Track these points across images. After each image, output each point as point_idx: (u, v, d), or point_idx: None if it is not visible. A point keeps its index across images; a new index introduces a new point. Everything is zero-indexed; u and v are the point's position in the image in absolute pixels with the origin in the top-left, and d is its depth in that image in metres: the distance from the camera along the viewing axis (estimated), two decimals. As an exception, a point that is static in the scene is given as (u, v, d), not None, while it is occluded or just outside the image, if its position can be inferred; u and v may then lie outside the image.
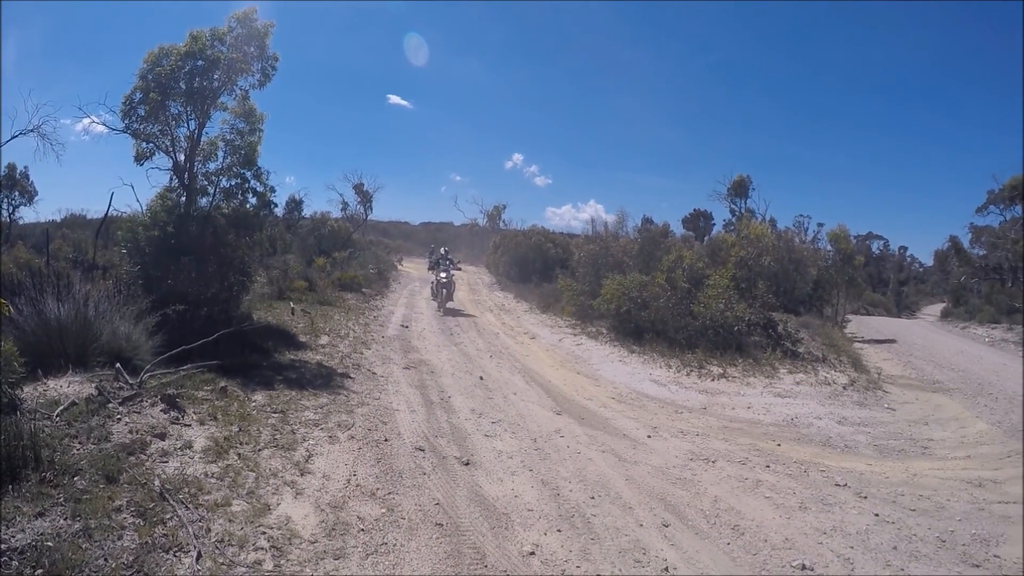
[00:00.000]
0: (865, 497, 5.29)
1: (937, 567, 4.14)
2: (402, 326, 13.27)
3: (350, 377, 8.21)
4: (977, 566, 4.19)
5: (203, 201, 9.16)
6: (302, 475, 4.91)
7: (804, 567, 4.03)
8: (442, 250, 17.71)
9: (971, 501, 5.35)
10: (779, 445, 6.73)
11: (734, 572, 3.98)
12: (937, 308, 33.61)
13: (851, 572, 4.02)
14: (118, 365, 5.86)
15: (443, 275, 16.23)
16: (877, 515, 4.91)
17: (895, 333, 18.41)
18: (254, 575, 3.45)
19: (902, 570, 4.08)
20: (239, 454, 5.05)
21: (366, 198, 33.66)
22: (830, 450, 6.74)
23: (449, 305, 16.40)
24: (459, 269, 18.52)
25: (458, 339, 12.21)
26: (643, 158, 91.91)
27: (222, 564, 3.47)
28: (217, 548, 3.61)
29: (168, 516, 3.79)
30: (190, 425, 5.39)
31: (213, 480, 4.50)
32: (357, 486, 4.84)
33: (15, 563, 3.07)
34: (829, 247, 19.30)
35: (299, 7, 56.03)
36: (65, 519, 3.49)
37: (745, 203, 29.47)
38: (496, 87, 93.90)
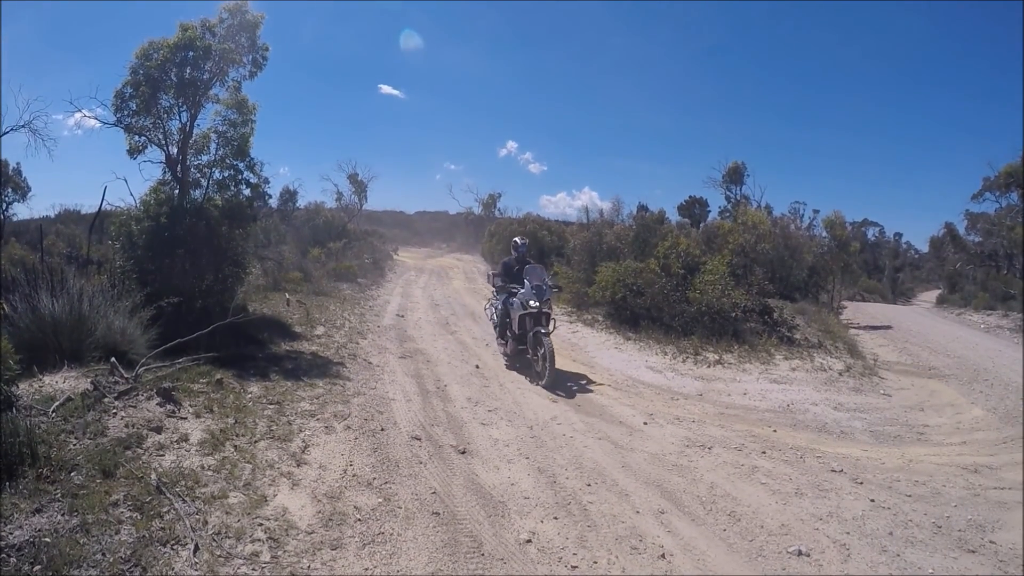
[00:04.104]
0: (861, 483, 5.31)
1: (933, 553, 4.16)
2: (398, 316, 13.26)
3: (346, 367, 8.20)
4: (973, 552, 4.21)
5: (196, 193, 9.12)
6: (298, 466, 4.91)
7: (800, 553, 4.05)
8: (517, 240, 9.96)
9: (967, 487, 5.37)
10: (775, 431, 6.75)
11: (731, 558, 4.00)
12: (933, 295, 33.70)
13: (847, 558, 4.04)
14: (113, 359, 5.85)
15: (532, 301, 8.56)
16: (873, 501, 4.93)
17: (891, 319, 18.46)
18: (251, 567, 3.45)
19: (898, 555, 4.10)
20: (235, 446, 5.05)
21: (360, 188, 33.62)
22: (826, 436, 6.76)
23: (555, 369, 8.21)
24: (558, 289, 11.41)
25: (454, 328, 12.21)
26: (638, 144, 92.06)
27: (219, 556, 3.47)
28: (214, 540, 3.61)
29: (165, 509, 3.79)
30: (186, 418, 5.39)
31: (210, 472, 4.50)
32: (354, 476, 4.84)
33: (13, 560, 3.07)
34: (825, 234, 19.35)
35: (288, -1, 55.70)
36: (62, 515, 3.49)
37: (740, 190, 29.52)
38: (488, 74, 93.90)
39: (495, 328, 10.01)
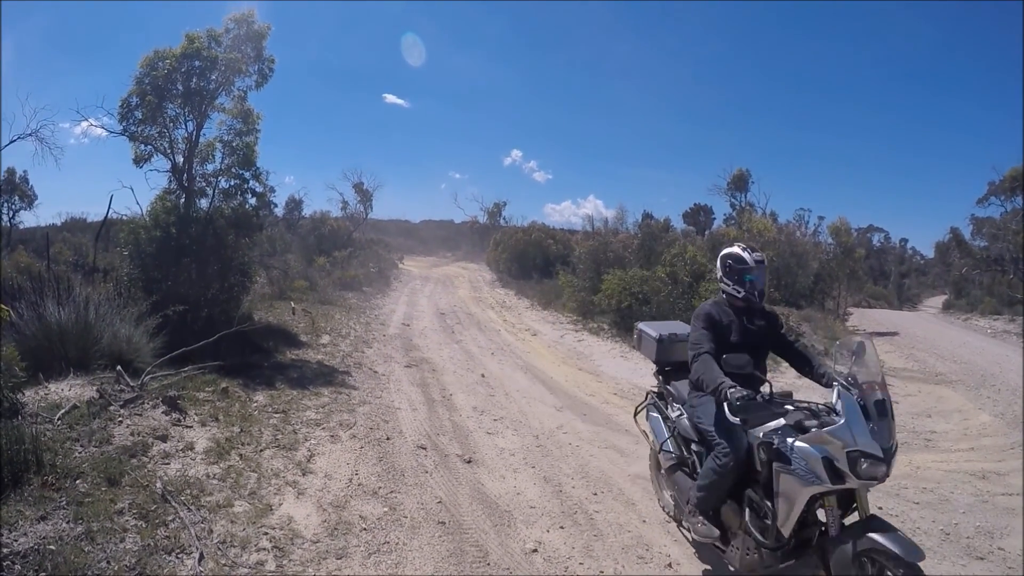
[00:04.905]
0: (868, 490, 5.26)
1: (941, 560, 4.12)
2: (403, 324, 13.27)
3: (351, 376, 8.20)
4: (981, 559, 4.17)
5: (203, 202, 9.18)
6: (304, 475, 4.90)
7: (808, 561, 3.99)
8: (744, 255, 3.76)
9: (975, 493, 5.33)
10: (782, 439, 6.70)
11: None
12: (939, 300, 33.62)
13: (855, 566, 4.00)
14: (119, 368, 5.86)
15: (867, 461, 2.97)
16: (880, 508, 4.87)
17: (897, 325, 18.36)
18: (257, 576, 3.44)
19: (906, 563, 4.05)
20: (241, 455, 5.04)
21: (366, 197, 33.60)
22: (833, 443, 6.71)
23: None
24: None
25: (459, 337, 12.20)
26: (642, 152, 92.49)
27: (224, 565, 3.46)
28: (219, 549, 3.60)
29: (170, 518, 3.78)
30: (191, 427, 5.39)
31: (215, 481, 4.49)
32: (359, 485, 4.83)
33: (18, 567, 3.06)
34: (830, 240, 19.32)
35: (293, 7, 56.15)
36: (67, 522, 3.48)
37: (745, 197, 29.50)
38: (493, 84, 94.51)
39: (661, 470, 4.30)
